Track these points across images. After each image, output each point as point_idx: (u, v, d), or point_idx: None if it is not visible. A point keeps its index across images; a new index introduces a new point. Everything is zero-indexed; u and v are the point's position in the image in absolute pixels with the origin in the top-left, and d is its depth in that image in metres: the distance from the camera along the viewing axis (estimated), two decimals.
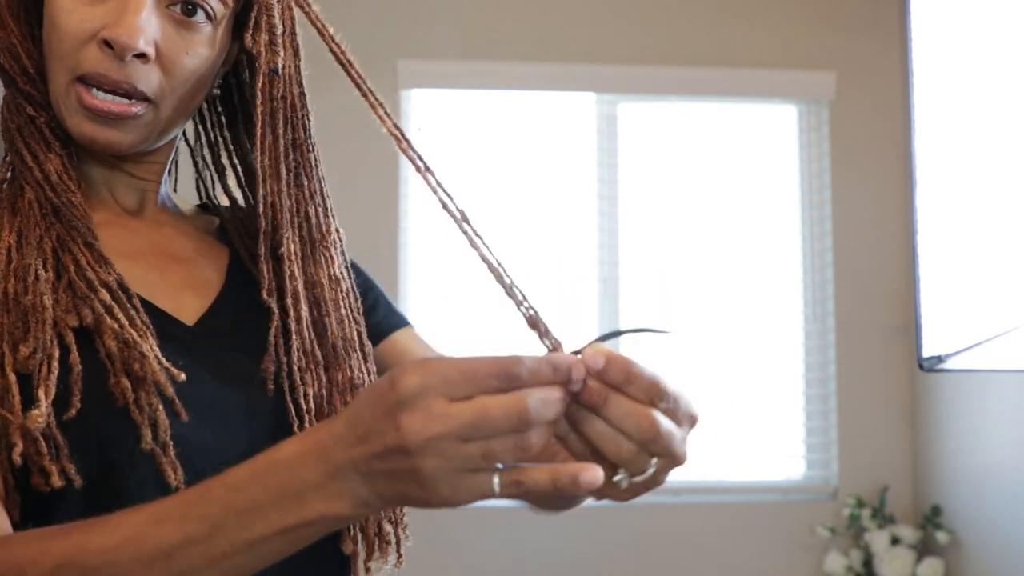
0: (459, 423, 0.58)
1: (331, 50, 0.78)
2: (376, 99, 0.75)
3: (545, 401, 0.58)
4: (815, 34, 3.45)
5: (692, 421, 0.64)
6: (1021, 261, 1.49)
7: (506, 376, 0.59)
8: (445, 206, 0.70)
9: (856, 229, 3.41)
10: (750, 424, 3.39)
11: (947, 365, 1.64)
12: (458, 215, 0.70)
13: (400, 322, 1.01)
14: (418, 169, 0.72)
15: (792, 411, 3.42)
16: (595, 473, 0.59)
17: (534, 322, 0.66)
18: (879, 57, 3.44)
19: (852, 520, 3.28)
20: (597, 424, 0.61)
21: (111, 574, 0.65)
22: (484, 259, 0.68)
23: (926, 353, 1.65)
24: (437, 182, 0.71)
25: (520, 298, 0.68)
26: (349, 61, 0.77)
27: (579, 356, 0.61)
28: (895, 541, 3.21)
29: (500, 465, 0.59)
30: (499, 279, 0.68)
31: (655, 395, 0.61)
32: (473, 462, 0.58)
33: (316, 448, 0.63)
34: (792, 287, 3.45)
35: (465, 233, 0.69)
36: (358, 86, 0.76)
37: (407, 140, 0.73)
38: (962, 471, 3.12)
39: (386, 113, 0.76)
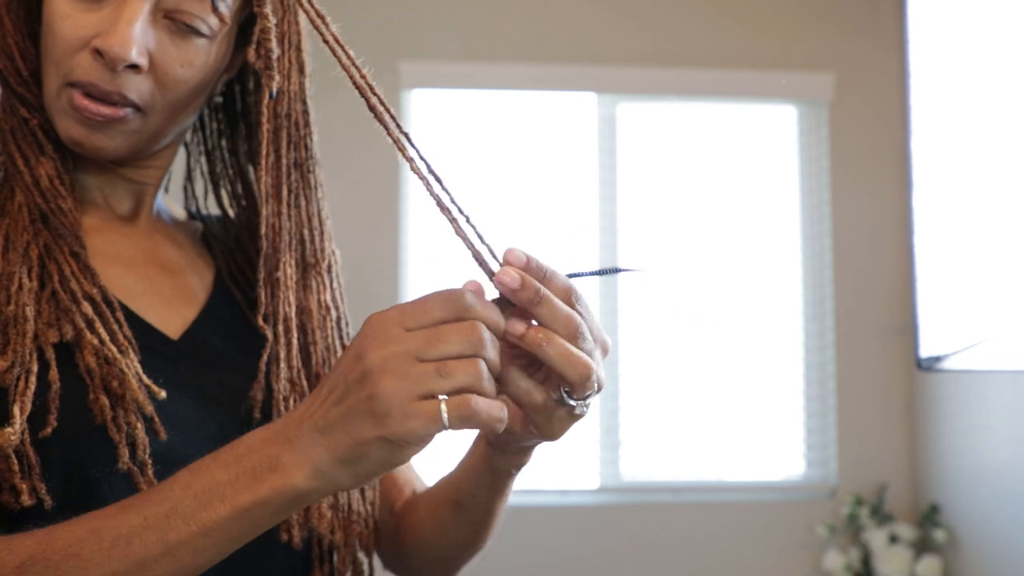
0: (416, 341, 0.61)
1: (328, 43, 0.72)
2: (381, 100, 0.71)
3: (494, 327, 0.62)
4: (814, 36, 3.47)
5: (604, 345, 0.68)
6: (1018, 263, 1.51)
7: (453, 301, 0.62)
8: (437, 194, 0.68)
9: (855, 230, 3.42)
10: (749, 423, 3.40)
11: (945, 365, 1.66)
12: (446, 198, 0.68)
13: None
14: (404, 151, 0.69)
15: (791, 410, 3.43)
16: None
17: (477, 254, 0.67)
18: (878, 59, 3.45)
19: (851, 519, 3.29)
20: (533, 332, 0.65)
21: (73, 567, 0.63)
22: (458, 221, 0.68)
23: (924, 353, 1.67)
24: (429, 169, 0.69)
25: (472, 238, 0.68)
26: (352, 59, 0.72)
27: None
28: (893, 539, 3.23)
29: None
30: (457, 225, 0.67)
31: (571, 296, 0.66)
32: (428, 380, 0.60)
33: (281, 425, 0.65)
34: (791, 287, 3.46)
35: (449, 209, 0.67)
36: (356, 83, 0.71)
37: (412, 144, 0.70)
38: (960, 470, 3.13)
39: (397, 127, 0.71)
